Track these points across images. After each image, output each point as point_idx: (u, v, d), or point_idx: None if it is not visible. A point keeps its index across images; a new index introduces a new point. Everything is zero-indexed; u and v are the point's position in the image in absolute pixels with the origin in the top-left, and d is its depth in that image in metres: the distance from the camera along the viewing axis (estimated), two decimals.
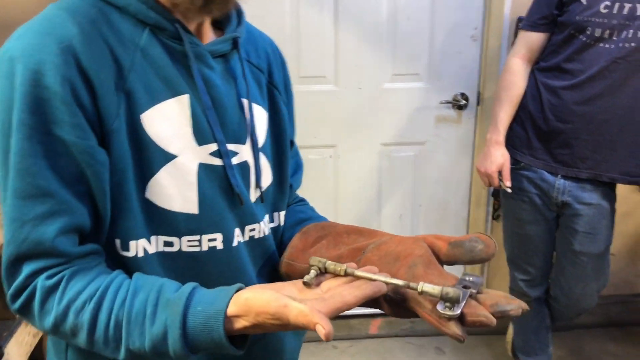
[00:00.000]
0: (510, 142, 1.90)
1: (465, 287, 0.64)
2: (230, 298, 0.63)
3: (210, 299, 0.64)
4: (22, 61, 0.64)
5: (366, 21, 2.21)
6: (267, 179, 0.85)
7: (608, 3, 1.67)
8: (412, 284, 0.63)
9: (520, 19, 2.09)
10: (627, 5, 1.65)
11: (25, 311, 0.68)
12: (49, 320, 0.66)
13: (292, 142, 0.93)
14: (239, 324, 0.63)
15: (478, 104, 2.36)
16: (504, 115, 1.88)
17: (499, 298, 0.63)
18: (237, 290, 0.65)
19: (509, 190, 1.89)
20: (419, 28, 2.25)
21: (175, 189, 0.73)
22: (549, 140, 1.81)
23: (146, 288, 0.66)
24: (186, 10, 0.72)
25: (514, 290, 2.10)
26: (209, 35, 0.80)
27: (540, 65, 1.85)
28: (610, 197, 1.84)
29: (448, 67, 2.31)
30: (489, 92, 2.29)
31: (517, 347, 2.21)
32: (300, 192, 1.02)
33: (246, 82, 0.81)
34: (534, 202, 1.88)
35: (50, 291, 0.66)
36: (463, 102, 2.34)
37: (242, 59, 0.81)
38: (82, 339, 0.66)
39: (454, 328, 0.60)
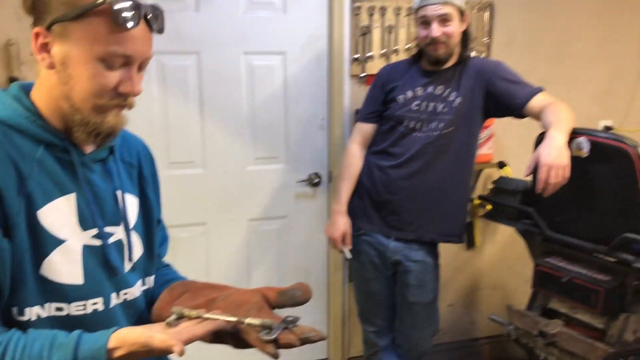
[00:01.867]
0: (352, 212, 2.27)
1: (286, 321, 0.92)
2: (110, 335, 0.87)
3: (94, 338, 0.87)
4: None
5: (229, 111, 2.53)
6: (138, 251, 1.10)
7: (418, 102, 2.14)
8: (242, 319, 0.90)
9: (357, 111, 2.52)
10: (431, 104, 2.13)
11: None
12: None
13: (159, 220, 1.19)
14: (117, 353, 0.86)
15: (329, 181, 2.74)
16: (346, 190, 2.27)
17: (307, 329, 0.92)
18: (115, 330, 0.88)
19: (348, 255, 2.25)
20: (276, 118, 2.61)
21: (65, 265, 0.95)
22: (381, 209, 2.21)
23: (42, 337, 0.87)
24: (81, 142, 0.97)
25: (367, 342, 2.42)
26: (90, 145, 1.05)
27: (372, 149, 2.28)
28: (434, 254, 2.25)
29: (302, 150, 2.68)
30: (337, 171, 2.68)
31: None
32: (175, 266, 1.28)
33: (120, 177, 1.06)
34: (373, 262, 2.24)
35: None
36: (317, 180, 2.71)
37: (117, 160, 1.07)
38: None
39: (270, 348, 0.88)
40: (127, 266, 1.06)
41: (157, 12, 0.96)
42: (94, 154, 1.02)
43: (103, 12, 0.88)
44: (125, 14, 0.88)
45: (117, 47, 0.90)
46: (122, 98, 0.95)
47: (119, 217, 1.05)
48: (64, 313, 0.96)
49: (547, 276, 2.23)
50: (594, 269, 2.13)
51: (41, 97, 0.96)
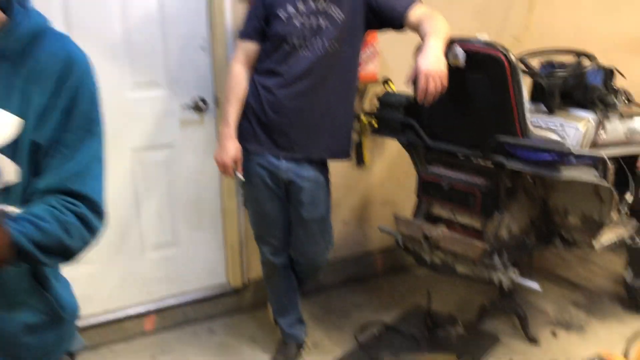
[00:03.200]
0: (241, 135, 2.22)
1: None
2: None
3: None
4: None
5: (101, 35, 2.34)
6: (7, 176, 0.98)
7: (301, 19, 2.09)
8: None
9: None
10: (314, 21, 2.09)
11: None
12: None
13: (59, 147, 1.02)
14: None
15: (217, 106, 2.65)
16: (233, 112, 2.20)
17: None
18: None
19: (242, 179, 2.23)
20: (152, 39, 2.45)
21: None
22: (270, 131, 2.18)
23: None
24: None
25: (265, 263, 2.44)
26: None
27: (257, 69, 2.21)
28: (324, 171, 2.28)
29: (184, 74, 2.56)
30: (223, 94, 2.59)
31: (274, 312, 2.56)
32: None
33: None
34: (266, 183, 2.23)
35: None
36: (203, 105, 2.61)
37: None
38: None
39: None
40: None
41: None
42: None
43: None
44: None
45: None
46: None
47: None
48: None
49: (429, 184, 2.35)
50: (472, 173, 2.27)
51: None
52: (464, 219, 2.33)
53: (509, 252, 2.28)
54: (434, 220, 2.43)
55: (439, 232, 2.26)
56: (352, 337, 2.69)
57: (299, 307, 2.54)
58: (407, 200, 3.32)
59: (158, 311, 2.77)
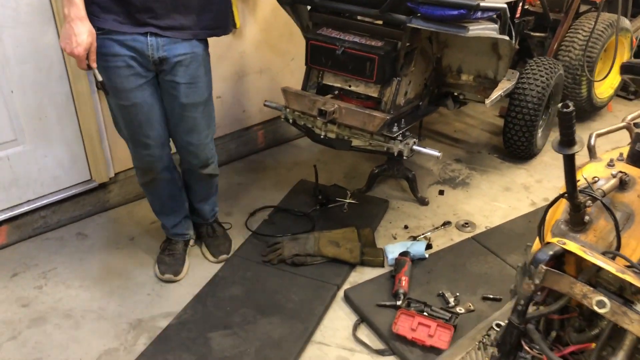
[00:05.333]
0: (91, 11, 1.70)
1: None
2: None
3: None
4: None
5: None
6: None
7: None
8: None
9: None
10: None
11: None
12: None
13: None
14: None
15: None
16: None
17: None
18: None
19: (99, 78, 1.75)
20: None
21: None
22: (130, 4, 1.70)
23: None
24: None
25: (140, 169, 2.06)
26: None
27: None
28: (200, 47, 1.87)
29: None
30: None
31: (155, 212, 2.24)
32: None
33: None
34: (130, 65, 1.79)
35: None
36: None
37: None
38: None
39: None
40: None
41: None
42: None
43: None
44: None
45: None
46: None
47: None
48: None
49: (320, 50, 2.06)
50: (368, 36, 2.01)
51: None
52: (358, 87, 2.11)
53: (405, 119, 2.14)
54: (326, 90, 2.19)
55: (334, 106, 2.03)
56: (244, 225, 2.50)
57: (185, 205, 2.25)
58: (285, 68, 3.03)
59: (9, 220, 2.34)
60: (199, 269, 2.25)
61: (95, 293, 2.11)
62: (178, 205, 2.19)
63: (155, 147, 1.98)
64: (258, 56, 2.90)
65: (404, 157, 2.15)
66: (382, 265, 2.25)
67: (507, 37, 1.98)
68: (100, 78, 1.74)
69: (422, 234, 2.44)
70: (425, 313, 1.95)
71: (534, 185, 2.86)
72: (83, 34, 1.65)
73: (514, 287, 1.64)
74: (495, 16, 1.94)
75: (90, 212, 2.56)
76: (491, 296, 2.06)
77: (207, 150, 2.06)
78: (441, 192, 2.77)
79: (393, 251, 2.28)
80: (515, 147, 2.93)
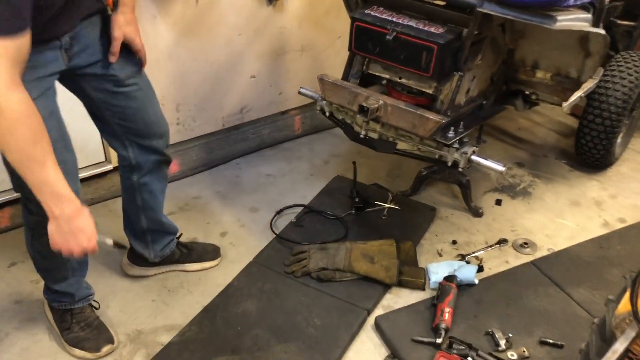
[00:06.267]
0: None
1: None
2: None
3: None
4: None
5: None
6: None
7: None
8: None
9: None
10: None
11: None
12: None
13: None
14: None
15: None
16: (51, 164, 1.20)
17: None
18: None
19: (110, 242, 1.41)
20: None
21: None
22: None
23: None
24: None
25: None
26: None
27: None
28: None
29: None
30: None
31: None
32: None
33: None
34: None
35: None
36: None
37: None
38: None
39: None
40: None
41: None
42: None
43: None
44: None
45: None
46: None
47: None
48: None
49: (368, 33, 1.71)
50: (427, 21, 1.65)
51: None
52: (410, 81, 1.76)
53: (464, 122, 1.77)
54: (370, 81, 1.84)
55: (380, 102, 1.69)
56: (268, 225, 2.21)
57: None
58: (329, 47, 2.69)
59: (14, 202, 2.14)
60: (213, 276, 1.98)
61: (96, 292, 1.87)
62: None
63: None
64: (300, 33, 2.57)
65: (459, 169, 1.79)
66: (423, 288, 1.93)
67: (602, 31, 1.59)
68: (110, 242, 1.42)
69: (473, 253, 2.09)
70: (469, 359, 1.63)
71: (607, 201, 2.45)
72: (89, 225, 1.27)
73: (585, 347, 1.31)
74: (588, 3, 1.54)
75: (103, 196, 2.33)
76: (551, 341, 1.71)
77: (164, 123, 1.71)
78: (498, 202, 2.40)
79: (437, 272, 1.95)
80: (589, 155, 2.51)
